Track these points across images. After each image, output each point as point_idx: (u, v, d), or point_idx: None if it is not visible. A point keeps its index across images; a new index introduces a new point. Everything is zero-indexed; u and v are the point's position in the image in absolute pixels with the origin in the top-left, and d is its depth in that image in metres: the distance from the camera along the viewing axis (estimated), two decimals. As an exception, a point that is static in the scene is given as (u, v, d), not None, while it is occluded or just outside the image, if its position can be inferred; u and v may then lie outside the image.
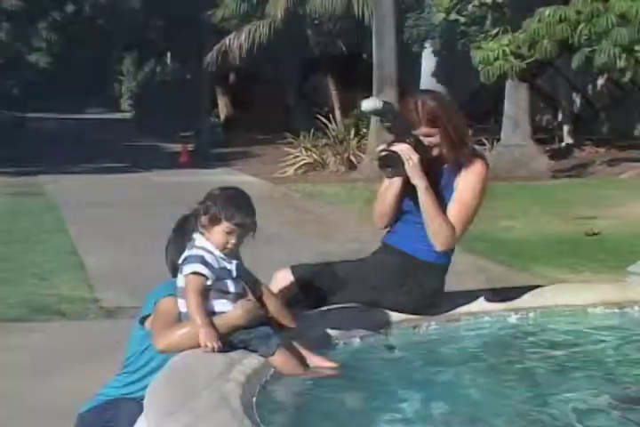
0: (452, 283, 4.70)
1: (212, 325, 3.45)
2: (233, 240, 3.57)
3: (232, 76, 35.70)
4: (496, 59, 16.63)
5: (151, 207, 14.52)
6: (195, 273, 3.51)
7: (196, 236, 3.61)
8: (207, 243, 3.57)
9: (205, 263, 3.52)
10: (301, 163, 21.94)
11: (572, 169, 19.86)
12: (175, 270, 3.86)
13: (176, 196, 12.02)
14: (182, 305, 3.58)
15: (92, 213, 14.59)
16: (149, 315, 3.82)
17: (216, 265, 3.55)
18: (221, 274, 3.56)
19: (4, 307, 8.29)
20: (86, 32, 52.96)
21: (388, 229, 4.45)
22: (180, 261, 3.57)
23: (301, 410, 3.31)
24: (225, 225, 3.55)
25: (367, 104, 4.18)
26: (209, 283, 3.52)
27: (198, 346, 3.44)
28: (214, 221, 3.56)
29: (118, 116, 49.49)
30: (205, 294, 3.51)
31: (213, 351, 3.39)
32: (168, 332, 3.52)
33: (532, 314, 4.53)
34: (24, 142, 29.99)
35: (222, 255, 3.57)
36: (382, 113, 4.21)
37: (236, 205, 3.59)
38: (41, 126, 39.65)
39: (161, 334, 3.53)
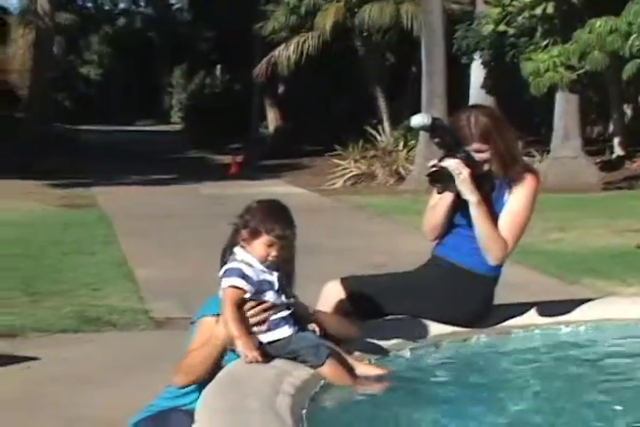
0: (503, 295, 4.69)
1: (250, 335, 3.47)
2: (274, 253, 3.59)
3: (281, 88, 35.84)
4: (546, 70, 16.59)
5: (200, 219, 14.58)
6: (232, 286, 3.53)
7: (237, 249, 3.63)
8: (248, 255, 3.59)
9: (244, 276, 3.54)
10: (350, 175, 21.95)
11: (623, 181, 19.70)
12: None
13: (225, 208, 12.07)
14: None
15: (142, 224, 14.69)
16: None
17: (256, 278, 3.57)
18: (262, 287, 3.57)
19: (56, 318, 8.36)
20: (137, 44, 53.48)
21: (437, 240, 4.46)
22: (220, 274, 3.59)
23: (351, 422, 3.31)
24: (265, 238, 3.57)
25: (416, 120, 4.18)
26: (247, 296, 3.54)
27: (212, 367, 3.52)
28: (254, 234, 3.59)
29: (168, 128, 49.79)
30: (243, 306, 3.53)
31: (256, 362, 3.40)
32: (182, 365, 3.59)
33: (582, 327, 4.51)
34: (75, 154, 30.26)
35: (263, 268, 3.59)
36: (431, 129, 4.21)
37: (276, 217, 3.62)
38: (92, 138, 39.99)
39: (178, 368, 3.60)
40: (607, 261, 11.13)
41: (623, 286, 9.56)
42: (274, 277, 3.60)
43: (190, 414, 3.32)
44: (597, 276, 10.25)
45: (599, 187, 19.30)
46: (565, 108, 20.16)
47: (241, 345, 3.42)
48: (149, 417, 3.99)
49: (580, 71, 17.09)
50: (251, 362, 3.41)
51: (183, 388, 3.69)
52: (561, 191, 18.81)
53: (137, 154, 31.57)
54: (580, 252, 11.92)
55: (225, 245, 3.88)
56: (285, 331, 3.56)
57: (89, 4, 58.11)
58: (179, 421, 3.73)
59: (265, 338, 3.55)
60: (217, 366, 3.57)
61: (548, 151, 20.61)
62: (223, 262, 3.87)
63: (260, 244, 3.58)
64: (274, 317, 3.57)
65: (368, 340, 3.91)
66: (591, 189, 19.01)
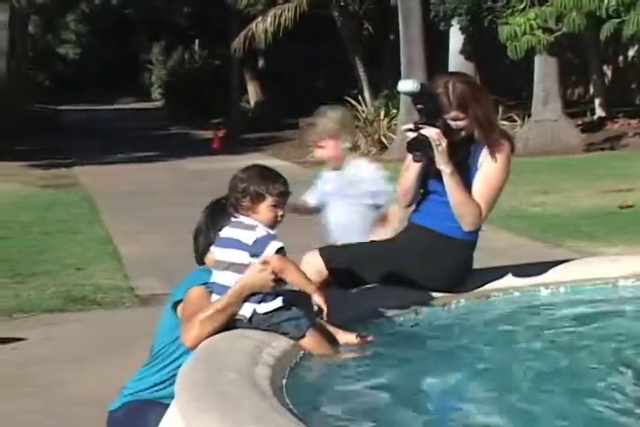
0: (486, 260, 4.70)
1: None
2: (280, 212, 3.60)
3: (260, 62, 35.68)
4: (523, 33, 16.50)
5: (185, 195, 14.56)
6: (281, 249, 3.54)
7: (244, 219, 3.60)
8: (257, 223, 3.59)
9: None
10: (332, 145, 21.91)
11: (605, 142, 19.71)
12: (202, 258, 3.88)
13: (210, 182, 12.07)
14: (227, 279, 3.60)
15: (126, 202, 14.66)
16: (181, 301, 3.83)
17: None
18: None
19: (41, 298, 8.37)
20: (114, 22, 53.14)
21: (413, 208, 4.47)
22: (251, 242, 3.55)
23: (332, 391, 3.32)
24: (270, 199, 3.58)
25: (404, 85, 4.16)
26: None
27: (224, 328, 3.49)
28: (258, 198, 3.57)
29: (149, 105, 49.56)
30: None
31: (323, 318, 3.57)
32: (192, 324, 3.55)
33: (562, 288, 4.52)
34: (56, 134, 30.15)
35: (272, 232, 3.60)
36: (419, 95, 4.19)
37: (271, 177, 3.63)
38: (72, 118, 39.82)
39: (188, 329, 3.56)
40: (591, 223, 11.18)
41: (608, 247, 9.61)
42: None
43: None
44: (581, 237, 10.29)
45: (581, 148, 19.31)
46: (545, 71, 20.13)
47: (317, 298, 3.54)
48: (127, 406, 3.95)
49: (558, 33, 17.03)
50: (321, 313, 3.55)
51: (194, 348, 3.61)
52: (543, 154, 18.84)
53: (118, 132, 31.47)
54: (563, 214, 11.97)
55: (198, 226, 3.86)
56: (278, 302, 3.56)
57: (64, -17, 57.73)
58: (157, 416, 3.57)
59: (261, 309, 3.55)
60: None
61: (529, 115, 20.61)
62: (198, 244, 3.85)
63: (266, 207, 3.58)
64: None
65: (346, 308, 3.91)
66: (573, 151, 19.02)
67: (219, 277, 3.64)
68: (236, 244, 3.59)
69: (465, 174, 4.27)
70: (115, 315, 7.88)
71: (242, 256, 3.58)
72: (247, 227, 3.58)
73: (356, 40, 26.90)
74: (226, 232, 3.64)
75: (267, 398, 2.89)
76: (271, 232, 3.57)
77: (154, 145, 25.92)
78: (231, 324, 3.56)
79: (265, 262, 3.53)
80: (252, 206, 3.58)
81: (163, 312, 3.99)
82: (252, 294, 3.56)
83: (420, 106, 4.22)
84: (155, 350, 3.98)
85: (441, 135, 4.16)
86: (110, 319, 7.74)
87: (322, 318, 3.62)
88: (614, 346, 3.72)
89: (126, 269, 9.58)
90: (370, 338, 3.74)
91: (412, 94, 4.19)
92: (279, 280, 3.56)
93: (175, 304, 3.89)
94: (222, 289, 3.61)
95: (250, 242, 3.55)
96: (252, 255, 3.56)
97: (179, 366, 3.69)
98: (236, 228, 3.60)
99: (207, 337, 3.49)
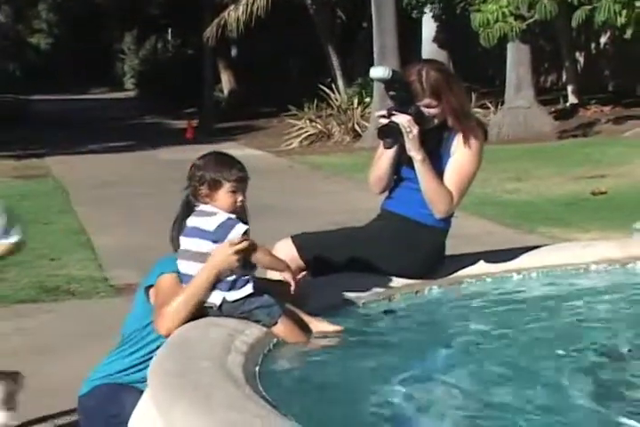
0: (459, 247, 4.73)
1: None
2: (240, 197, 3.60)
3: (233, 51, 35.59)
4: (496, 21, 16.47)
5: (158, 185, 14.53)
6: (246, 232, 3.53)
7: (204, 206, 3.60)
8: (217, 210, 3.58)
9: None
10: (306, 134, 21.89)
11: (578, 129, 19.77)
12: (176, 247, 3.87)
13: (183, 172, 12.00)
14: (191, 269, 3.60)
15: (99, 193, 14.62)
16: (152, 286, 3.82)
17: None
18: None
19: (14, 289, 8.33)
20: (85, 11, 52.82)
21: (386, 195, 4.48)
22: (213, 228, 3.55)
23: (306, 379, 3.32)
24: (228, 185, 3.58)
25: (376, 72, 4.17)
26: None
27: (197, 315, 3.49)
28: (215, 185, 3.58)
29: (122, 95, 49.39)
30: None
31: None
32: (164, 313, 3.55)
33: (534, 274, 4.55)
34: (28, 125, 29.98)
35: (233, 216, 3.59)
36: (391, 82, 4.20)
37: (228, 163, 3.64)
38: (45, 108, 39.60)
39: (160, 319, 3.56)
40: (564, 209, 11.23)
41: (581, 233, 9.65)
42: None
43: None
44: (555, 224, 10.33)
45: (554, 136, 19.37)
46: (517, 59, 20.18)
47: (289, 276, 3.64)
48: (99, 389, 3.90)
49: (530, 21, 17.02)
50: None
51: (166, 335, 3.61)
52: (516, 142, 18.89)
53: (91, 122, 31.33)
54: (536, 201, 12.02)
55: (176, 217, 3.84)
56: (248, 288, 3.56)
57: (34, -28, 57.33)
58: (132, 400, 3.57)
59: (230, 296, 3.55)
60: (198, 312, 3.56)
61: (503, 102, 20.65)
62: (172, 233, 3.83)
63: (225, 193, 3.58)
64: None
65: (319, 296, 3.92)
66: (546, 138, 19.08)
67: (183, 266, 3.64)
68: (198, 232, 3.59)
69: (437, 162, 4.29)
70: (89, 305, 7.86)
71: (204, 245, 3.58)
72: (208, 214, 3.59)
73: (329, 28, 26.87)
74: (190, 221, 3.64)
75: (240, 385, 2.90)
76: (232, 216, 3.57)
77: (127, 135, 25.82)
78: (202, 312, 3.56)
79: (230, 245, 3.53)
80: (211, 193, 3.59)
81: (135, 297, 3.98)
82: (221, 281, 3.56)
83: (392, 93, 4.24)
84: (125, 335, 3.97)
85: (412, 122, 4.18)
86: (84, 310, 7.71)
87: (295, 299, 3.65)
88: (585, 331, 3.75)
89: (100, 259, 9.55)
90: (341, 328, 3.73)
91: (383, 81, 4.20)
92: (246, 262, 3.56)
93: (147, 289, 3.89)
94: (188, 278, 3.61)
95: (211, 228, 3.56)
96: (215, 241, 3.56)
97: (151, 352, 3.70)
98: (199, 216, 3.61)
99: (180, 325, 3.49)
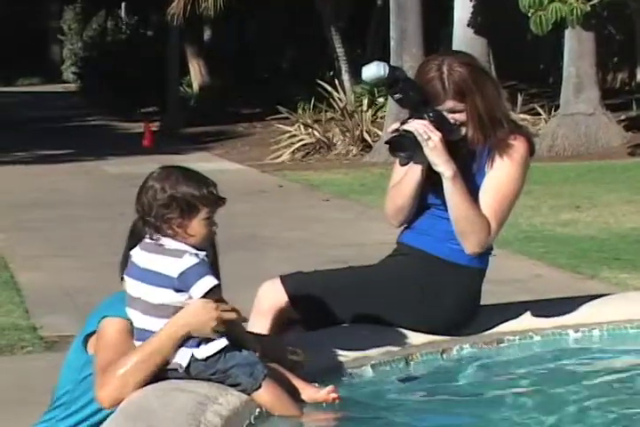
0: (499, 294, 4.76)
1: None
2: (214, 224, 3.66)
3: (207, 34, 35.71)
4: (551, 1, 16.62)
5: (106, 207, 14.53)
6: (217, 287, 3.58)
7: (165, 240, 3.63)
8: (185, 246, 3.61)
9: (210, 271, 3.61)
10: (300, 144, 21.93)
11: (656, 143, 19.87)
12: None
13: (136, 191, 12.00)
14: (148, 324, 3.63)
15: (28, 216, 14.61)
16: (94, 333, 3.84)
17: None
18: None
19: None
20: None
21: (404, 226, 4.51)
22: (176, 274, 3.57)
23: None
24: (205, 211, 3.62)
25: (369, 71, 4.22)
26: None
27: (153, 380, 3.52)
28: (190, 212, 3.61)
29: (60, 88, 49.48)
30: None
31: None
32: (109, 378, 3.57)
33: (596, 331, 4.57)
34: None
35: (203, 253, 3.62)
36: (391, 82, 4.24)
37: (199, 180, 3.66)
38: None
39: (104, 384, 3.58)
40: (635, 248, 11.25)
41: (657, 279, 9.68)
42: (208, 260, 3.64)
43: None
44: (622, 267, 10.35)
45: (624, 151, 19.43)
46: (578, 51, 20.26)
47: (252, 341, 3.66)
48: None
49: (596, 1, 17.18)
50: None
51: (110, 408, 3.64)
52: (574, 158, 18.95)
53: (19, 123, 31.38)
54: (600, 236, 12.04)
55: (126, 249, 3.85)
56: (222, 341, 3.59)
57: None
58: None
59: (200, 353, 3.58)
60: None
61: (557, 107, 20.73)
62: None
63: (200, 220, 3.62)
64: None
65: (315, 354, 3.95)
66: (614, 155, 19.14)
67: (136, 319, 3.67)
68: (155, 278, 3.61)
69: (470, 183, 4.31)
70: (10, 362, 7.86)
71: (162, 294, 3.61)
72: (170, 253, 3.61)
73: (333, 7, 26.99)
74: (141, 258, 3.66)
75: (211, 471, 2.92)
76: (200, 260, 3.59)
77: (65, 141, 25.86)
78: (162, 375, 3.59)
79: (216, 306, 3.56)
80: (184, 222, 3.61)
81: (69, 348, 4.01)
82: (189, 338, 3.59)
83: (397, 95, 4.27)
84: (58, 394, 3.98)
85: (430, 127, 4.20)
86: (4, 368, 7.72)
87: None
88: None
89: (27, 302, 9.54)
90: (338, 397, 3.75)
91: (382, 82, 4.25)
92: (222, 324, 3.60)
93: (86, 338, 3.91)
94: (144, 334, 3.64)
95: (174, 274, 3.58)
96: (177, 291, 3.60)
97: (88, 417, 3.73)
98: (155, 253, 3.63)
99: (129, 394, 3.52)
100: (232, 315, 3.57)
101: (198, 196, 3.61)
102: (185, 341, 3.58)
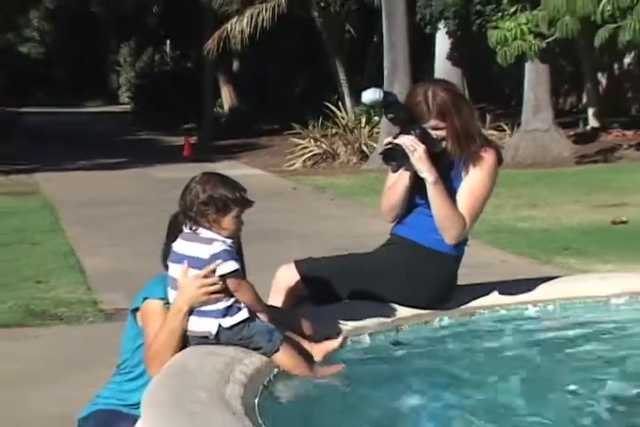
0: (472, 276, 4.74)
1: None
2: (242, 223, 3.64)
3: (235, 64, 35.69)
4: (514, 39, 16.55)
5: (153, 205, 14.54)
6: (236, 271, 3.55)
7: (201, 230, 3.60)
8: (216, 235, 3.60)
9: (235, 258, 3.58)
10: (310, 154, 21.92)
11: (598, 154, 19.79)
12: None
13: (179, 192, 12.02)
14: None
15: (90, 212, 14.63)
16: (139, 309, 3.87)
17: None
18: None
19: (-1, 312, 8.34)
20: (80, 20, 53.02)
21: (397, 221, 4.50)
22: (207, 257, 3.55)
23: (306, 411, 3.34)
24: (235, 210, 3.60)
25: (367, 96, 4.24)
26: None
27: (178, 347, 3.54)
28: (225, 209, 3.59)
29: (117, 108, 49.50)
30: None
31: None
32: (151, 355, 3.60)
33: (550, 306, 4.56)
34: (18, 139, 30.04)
35: (231, 243, 3.61)
36: (386, 104, 4.25)
37: (234, 185, 3.65)
38: (35, 121, 39.70)
39: (150, 359, 3.61)
40: (582, 239, 11.23)
41: (599, 264, 9.65)
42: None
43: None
44: (572, 254, 10.34)
45: (573, 161, 19.40)
46: (535, 79, 20.23)
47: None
48: (95, 415, 3.98)
49: (550, 39, 17.11)
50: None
51: None
52: (533, 166, 18.93)
53: (84, 137, 31.38)
54: (553, 229, 12.02)
55: (166, 240, 3.85)
56: (244, 313, 3.57)
57: (26, -22, 57.53)
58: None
59: (226, 322, 3.56)
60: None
61: (519, 124, 20.70)
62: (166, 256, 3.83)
63: (231, 218, 3.60)
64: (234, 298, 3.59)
65: (323, 325, 3.93)
66: (564, 164, 19.11)
67: (173, 296, 3.66)
68: (190, 261, 3.60)
69: (449, 187, 4.32)
70: (77, 330, 7.86)
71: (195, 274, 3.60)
72: (204, 240, 3.59)
73: (338, 43, 26.95)
74: (180, 246, 3.65)
75: (238, 418, 2.91)
76: (228, 248, 3.58)
77: (120, 151, 25.87)
78: (195, 341, 3.59)
79: (197, 279, 3.56)
80: (218, 219, 3.59)
81: (124, 319, 4.02)
82: (212, 310, 3.58)
83: (390, 115, 4.31)
84: (121, 360, 4.03)
85: (415, 141, 4.22)
86: (72, 335, 7.72)
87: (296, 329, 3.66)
88: (599, 368, 3.76)
89: (90, 282, 9.56)
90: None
91: (377, 104, 4.27)
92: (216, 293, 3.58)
93: (133, 312, 3.94)
94: None
95: (206, 256, 3.57)
96: None
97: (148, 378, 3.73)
98: (192, 241, 3.62)
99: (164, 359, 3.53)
100: (215, 287, 3.55)
101: (232, 198, 3.60)
102: (211, 312, 3.56)
